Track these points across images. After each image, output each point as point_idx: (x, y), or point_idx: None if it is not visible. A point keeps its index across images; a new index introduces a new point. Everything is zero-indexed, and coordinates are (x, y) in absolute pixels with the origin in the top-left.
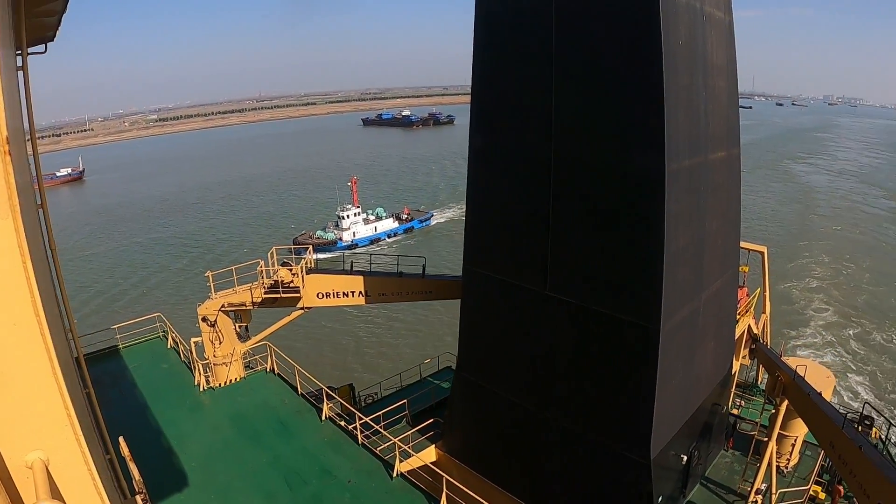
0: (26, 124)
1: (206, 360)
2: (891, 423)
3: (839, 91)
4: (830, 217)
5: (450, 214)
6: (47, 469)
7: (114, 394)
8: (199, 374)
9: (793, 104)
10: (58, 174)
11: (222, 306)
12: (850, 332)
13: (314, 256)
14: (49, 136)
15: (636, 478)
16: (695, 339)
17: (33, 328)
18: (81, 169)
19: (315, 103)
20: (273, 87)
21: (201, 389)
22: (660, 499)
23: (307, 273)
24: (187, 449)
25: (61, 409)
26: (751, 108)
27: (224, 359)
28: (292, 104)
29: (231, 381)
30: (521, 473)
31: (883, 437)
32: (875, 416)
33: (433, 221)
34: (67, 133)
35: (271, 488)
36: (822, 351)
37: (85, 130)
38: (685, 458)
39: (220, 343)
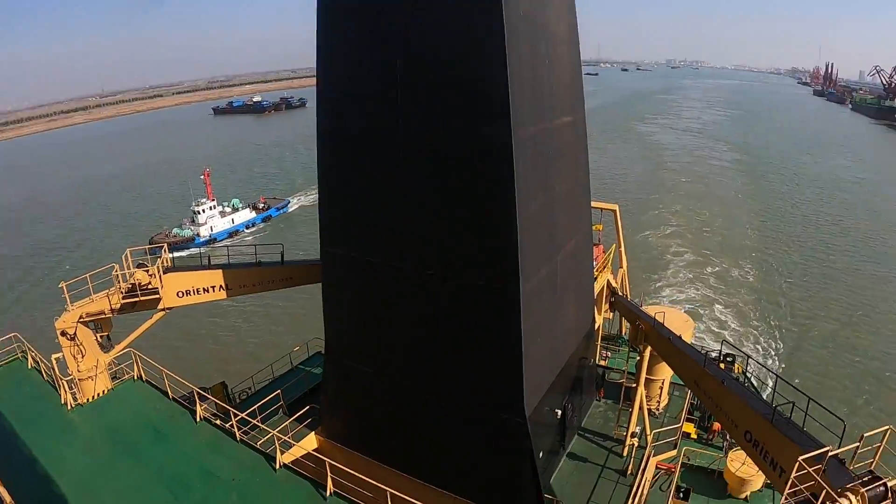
0: None
1: (71, 375)
2: (749, 357)
3: (682, 55)
4: (679, 171)
5: (310, 198)
6: None
7: None
8: (65, 391)
9: (638, 69)
10: None
11: (80, 317)
12: (709, 270)
13: (170, 255)
14: None
15: (515, 437)
16: (555, 298)
17: None
18: None
19: (162, 95)
20: (117, 82)
21: (69, 408)
22: (540, 454)
23: (164, 273)
24: (64, 472)
25: None
26: (597, 74)
27: (89, 372)
28: (138, 98)
29: (99, 394)
30: (404, 448)
31: (744, 370)
32: (736, 353)
33: (291, 208)
34: None
35: (157, 500)
36: (686, 288)
37: None
38: (560, 412)
39: (83, 356)
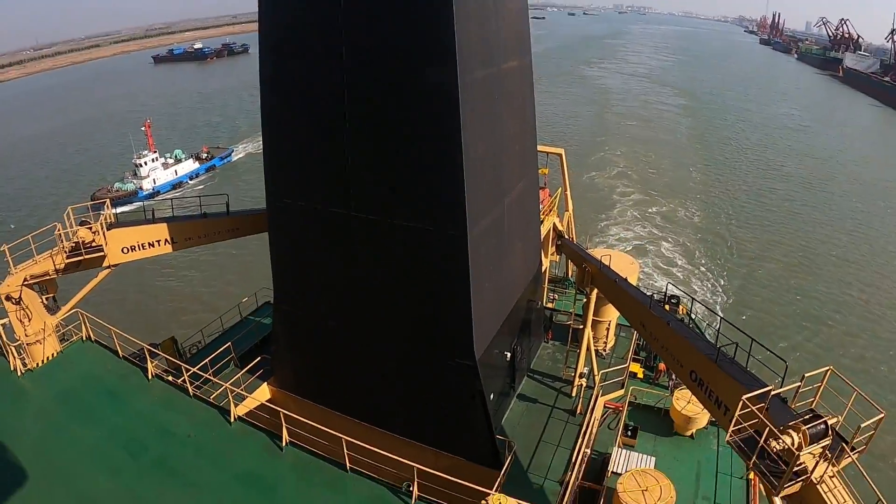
0: None
1: (19, 341)
2: (693, 299)
3: (629, 0)
4: (625, 115)
5: (255, 145)
6: None
7: None
8: (14, 357)
9: (585, 13)
10: None
11: (24, 280)
12: (655, 210)
13: (113, 210)
14: None
15: (466, 380)
16: (502, 241)
17: None
18: None
19: (99, 45)
20: (51, 34)
21: (19, 374)
22: (491, 396)
23: (108, 229)
24: (18, 440)
25: None
26: (544, 18)
27: (37, 336)
28: (75, 49)
29: (48, 358)
30: (357, 396)
31: (689, 311)
32: (680, 295)
33: (235, 156)
34: None
35: (114, 462)
36: (633, 226)
37: None
38: (509, 354)
39: (30, 320)
